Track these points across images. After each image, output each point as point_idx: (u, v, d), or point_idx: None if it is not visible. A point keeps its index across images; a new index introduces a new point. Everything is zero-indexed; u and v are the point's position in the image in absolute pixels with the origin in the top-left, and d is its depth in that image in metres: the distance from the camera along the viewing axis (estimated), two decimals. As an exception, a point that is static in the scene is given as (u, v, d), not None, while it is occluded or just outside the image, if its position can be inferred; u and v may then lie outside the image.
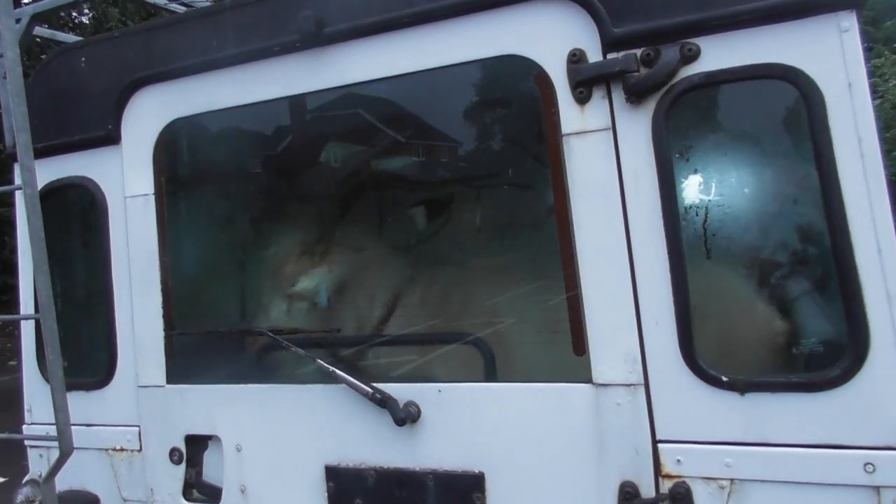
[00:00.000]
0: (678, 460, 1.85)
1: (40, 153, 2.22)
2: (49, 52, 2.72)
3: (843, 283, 1.70)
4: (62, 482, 2.55)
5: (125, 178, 2.51)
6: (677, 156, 1.88)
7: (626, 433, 1.89)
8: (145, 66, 2.44)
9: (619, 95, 1.90)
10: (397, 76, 2.12)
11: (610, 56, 1.89)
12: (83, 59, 2.56)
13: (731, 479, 1.80)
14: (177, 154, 2.57)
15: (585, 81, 1.91)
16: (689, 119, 1.89)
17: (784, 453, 1.76)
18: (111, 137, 2.51)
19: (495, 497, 2.03)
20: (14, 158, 2.43)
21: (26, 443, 2.77)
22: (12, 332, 18.49)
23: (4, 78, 2.46)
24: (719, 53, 1.80)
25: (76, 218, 2.80)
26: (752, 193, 1.89)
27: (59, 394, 2.07)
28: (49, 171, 2.60)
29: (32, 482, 2.61)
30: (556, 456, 1.96)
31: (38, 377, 2.71)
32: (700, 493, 1.83)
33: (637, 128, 1.88)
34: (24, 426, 2.76)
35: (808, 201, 1.79)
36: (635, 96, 1.87)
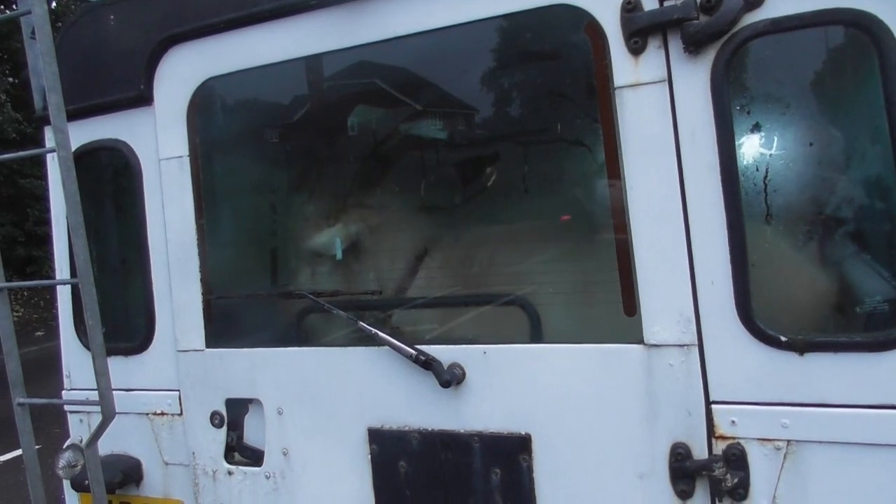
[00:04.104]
0: (732, 421, 1.81)
1: (70, 116, 2.17)
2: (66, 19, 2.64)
3: None
4: (103, 447, 2.57)
5: (159, 139, 2.46)
6: (737, 109, 1.80)
7: (678, 394, 1.85)
8: (177, 23, 2.37)
9: (676, 45, 1.81)
10: (442, 28, 2.04)
11: (667, 3, 1.80)
12: (112, 16, 2.49)
13: (788, 441, 1.77)
14: (212, 114, 2.51)
15: (640, 31, 1.83)
16: (750, 70, 1.81)
17: (844, 414, 1.72)
18: (143, 98, 2.46)
19: (542, 459, 2.01)
20: (45, 121, 2.39)
21: (66, 408, 2.78)
22: (38, 303, 18.81)
23: (32, 37, 2.40)
24: None
25: (109, 182, 2.76)
26: (817, 148, 1.81)
27: (99, 358, 2.06)
28: (80, 134, 2.55)
29: (74, 447, 2.62)
30: (606, 417, 1.93)
31: (76, 343, 2.71)
32: (755, 454, 1.80)
33: (695, 80, 1.80)
34: (63, 391, 2.77)
35: (877, 155, 1.71)
36: (694, 46, 1.78)
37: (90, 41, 2.54)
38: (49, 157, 2.58)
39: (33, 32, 2.33)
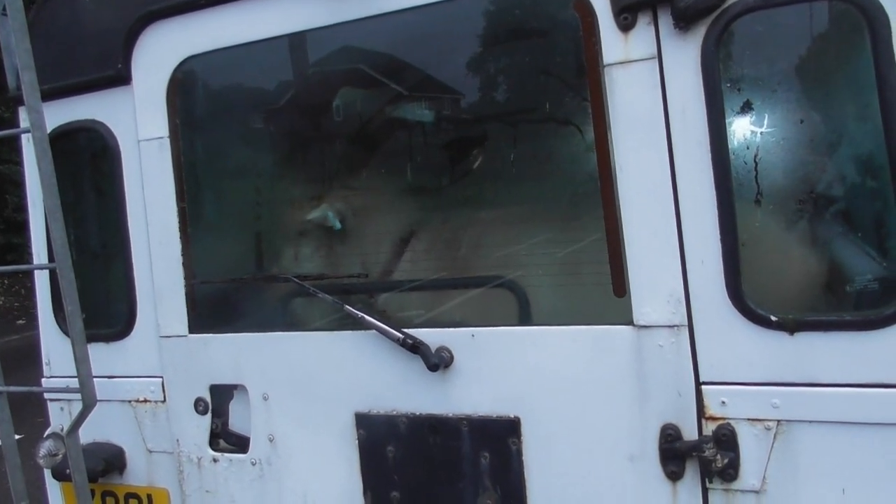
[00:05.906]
0: (723, 402, 1.81)
1: (45, 95, 2.11)
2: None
3: None
4: (85, 435, 2.52)
5: (138, 120, 2.40)
6: (728, 86, 1.78)
7: (668, 375, 1.84)
8: None
9: (666, 21, 1.79)
10: (428, 5, 2.00)
11: None
12: None
13: (778, 421, 1.77)
14: (192, 94, 2.45)
15: (630, 7, 1.80)
16: (741, 46, 1.78)
17: (834, 393, 1.71)
18: (121, 77, 2.39)
19: (532, 442, 2.00)
20: (19, 101, 2.32)
21: (46, 396, 2.73)
22: (19, 291, 18.57)
23: (3, 13, 2.32)
24: None
25: (87, 164, 2.69)
26: (808, 125, 1.79)
27: (79, 345, 2.02)
28: (56, 114, 2.48)
29: (54, 435, 2.58)
30: (595, 399, 1.92)
31: (55, 329, 2.66)
32: (745, 434, 1.80)
33: (685, 56, 1.77)
34: (42, 379, 2.72)
35: (869, 132, 1.69)
36: (684, 22, 1.76)
37: (65, 18, 2.47)
38: (24, 138, 2.51)
39: (4, 9, 2.25)
